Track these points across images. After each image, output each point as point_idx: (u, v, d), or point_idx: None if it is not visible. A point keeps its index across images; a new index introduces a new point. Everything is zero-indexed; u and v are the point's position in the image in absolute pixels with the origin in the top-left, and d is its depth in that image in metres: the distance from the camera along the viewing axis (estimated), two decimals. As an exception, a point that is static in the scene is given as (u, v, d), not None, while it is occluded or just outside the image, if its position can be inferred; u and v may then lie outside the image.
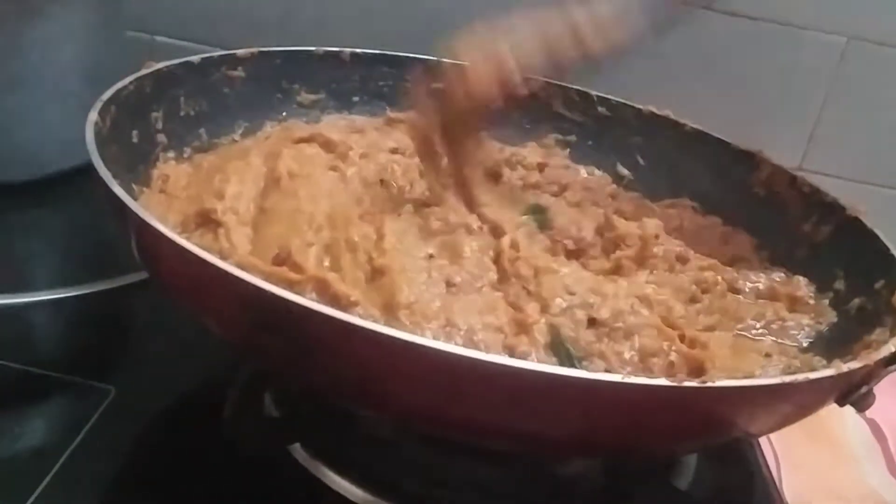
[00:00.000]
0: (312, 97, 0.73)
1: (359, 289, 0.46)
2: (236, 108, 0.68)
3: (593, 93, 0.76)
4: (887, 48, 0.83)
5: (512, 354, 0.45)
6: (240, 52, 0.68)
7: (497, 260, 0.51)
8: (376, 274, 0.48)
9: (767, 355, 0.53)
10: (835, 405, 0.47)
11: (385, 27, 0.85)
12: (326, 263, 0.49)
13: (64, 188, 0.75)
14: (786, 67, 0.84)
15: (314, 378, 0.42)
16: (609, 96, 0.76)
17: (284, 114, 0.72)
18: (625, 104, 0.75)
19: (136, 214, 0.43)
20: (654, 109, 0.74)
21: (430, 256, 0.50)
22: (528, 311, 0.48)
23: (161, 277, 0.48)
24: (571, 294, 0.50)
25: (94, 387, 0.55)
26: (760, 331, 0.55)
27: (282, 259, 0.48)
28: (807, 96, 0.85)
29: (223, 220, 0.53)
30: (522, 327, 0.47)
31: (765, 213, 0.67)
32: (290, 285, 0.45)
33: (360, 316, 0.44)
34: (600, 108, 0.76)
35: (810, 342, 0.56)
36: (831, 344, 0.55)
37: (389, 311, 0.45)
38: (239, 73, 0.68)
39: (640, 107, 0.75)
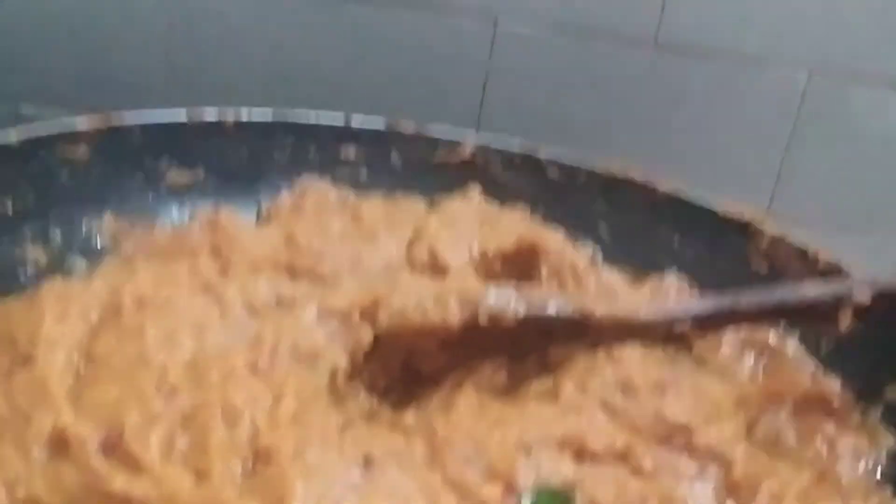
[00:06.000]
0: (187, 177, 0.57)
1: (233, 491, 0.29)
2: (76, 199, 0.51)
3: (541, 156, 0.61)
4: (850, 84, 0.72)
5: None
6: (80, 123, 0.51)
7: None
8: (259, 460, 0.31)
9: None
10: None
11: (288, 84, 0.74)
12: (182, 447, 0.32)
13: None
14: (748, 106, 0.74)
15: None
16: (558, 160, 0.61)
17: (151, 199, 0.56)
18: (578, 168, 0.60)
19: None
20: (616, 172, 0.60)
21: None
22: (487, 497, 0.32)
23: None
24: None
25: None
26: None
27: (111, 443, 0.31)
28: (771, 135, 0.74)
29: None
30: None
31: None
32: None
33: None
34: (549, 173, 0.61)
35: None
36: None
37: None
38: (81, 152, 0.52)
39: (599, 170, 0.60)
